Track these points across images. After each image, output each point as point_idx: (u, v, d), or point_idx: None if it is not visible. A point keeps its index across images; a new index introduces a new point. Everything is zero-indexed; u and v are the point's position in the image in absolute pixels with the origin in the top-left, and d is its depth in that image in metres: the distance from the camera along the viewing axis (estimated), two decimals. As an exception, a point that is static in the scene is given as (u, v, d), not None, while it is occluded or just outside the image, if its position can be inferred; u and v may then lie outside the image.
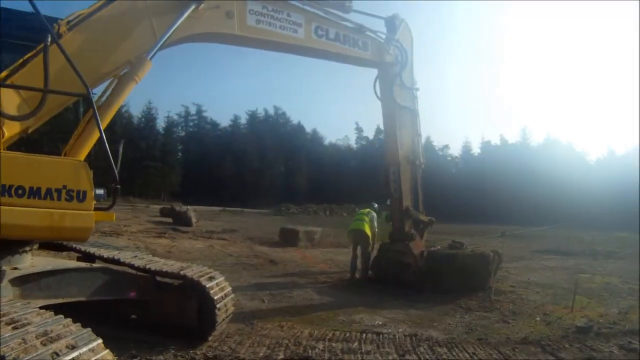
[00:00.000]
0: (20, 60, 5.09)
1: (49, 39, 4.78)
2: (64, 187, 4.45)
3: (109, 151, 4.77)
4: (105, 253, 6.27)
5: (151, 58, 5.72)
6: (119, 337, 5.65)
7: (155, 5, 5.89)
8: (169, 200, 47.55)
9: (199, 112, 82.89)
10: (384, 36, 9.32)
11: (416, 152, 10.08)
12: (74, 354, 3.12)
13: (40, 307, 4.53)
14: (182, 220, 25.09)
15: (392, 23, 9.57)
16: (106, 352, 3.41)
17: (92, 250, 6.40)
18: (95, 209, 4.72)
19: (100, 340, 3.44)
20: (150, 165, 65.16)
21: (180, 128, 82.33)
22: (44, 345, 3.05)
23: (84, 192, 4.53)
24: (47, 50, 4.74)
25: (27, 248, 5.04)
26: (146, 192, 60.61)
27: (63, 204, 4.44)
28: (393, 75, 9.52)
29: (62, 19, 5.40)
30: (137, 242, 15.47)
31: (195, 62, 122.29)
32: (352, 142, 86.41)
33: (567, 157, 65.20)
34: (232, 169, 72.70)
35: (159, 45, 5.70)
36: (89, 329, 3.54)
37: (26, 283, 4.75)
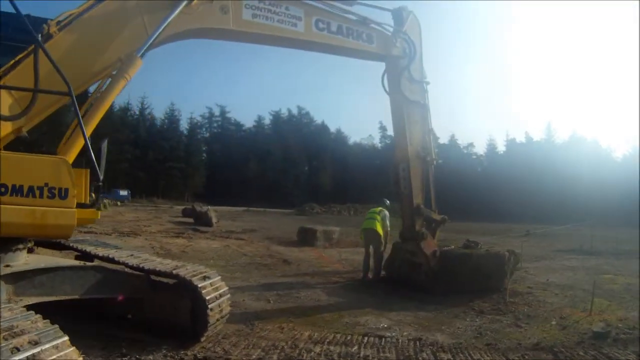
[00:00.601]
0: (12, 62, 5.10)
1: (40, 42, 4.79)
2: (46, 184, 4.43)
3: (90, 149, 4.69)
4: (101, 252, 6.22)
5: (142, 55, 5.63)
6: (114, 335, 5.64)
7: (146, 2, 5.80)
8: (193, 201, 48.17)
9: (223, 113, 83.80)
10: (391, 29, 9.04)
11: (427, 148, 9.73)
12: (35, 350, 3.07)
13: (34, 305, 4.55)
14: (202, 221, 25.27)
15: (399, 15, 9.25)
16: (71, 349, 3.33)
17: (89, 249, 6.35)
18: (78, 206, 4.66)
19: (66, 338, 3.38)
20: (174, 166, 66.24)
21: (204, 129, 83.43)
22: (5, 339, 3.00)
23: (66, 190, 4.49)
24: (37, 52, 4.73)
25: (21, 246, 5.04)
26: (170, 193, 61.62)
27: (45, 202, 4.43)
28: (401, 69, 9.20)
29: (52, 19, 5.37)
30: (153, 242, 15.56)
31: (218, 63, 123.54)
32: (377, 141, 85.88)
33: (593, 154, 63.59)
34: (256, 169, 73.25)
35: (149, 42, 5.60)
36: (57, 325, 3.48)
37: (20, 280, 4.75)
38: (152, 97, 76.55)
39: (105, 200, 33.56)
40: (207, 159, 78.69)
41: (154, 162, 65.18)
